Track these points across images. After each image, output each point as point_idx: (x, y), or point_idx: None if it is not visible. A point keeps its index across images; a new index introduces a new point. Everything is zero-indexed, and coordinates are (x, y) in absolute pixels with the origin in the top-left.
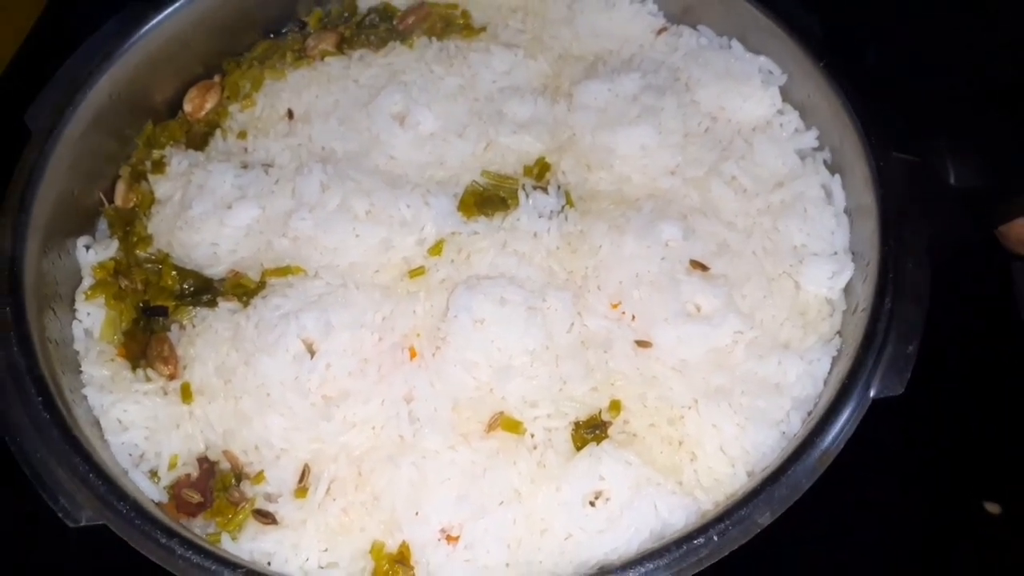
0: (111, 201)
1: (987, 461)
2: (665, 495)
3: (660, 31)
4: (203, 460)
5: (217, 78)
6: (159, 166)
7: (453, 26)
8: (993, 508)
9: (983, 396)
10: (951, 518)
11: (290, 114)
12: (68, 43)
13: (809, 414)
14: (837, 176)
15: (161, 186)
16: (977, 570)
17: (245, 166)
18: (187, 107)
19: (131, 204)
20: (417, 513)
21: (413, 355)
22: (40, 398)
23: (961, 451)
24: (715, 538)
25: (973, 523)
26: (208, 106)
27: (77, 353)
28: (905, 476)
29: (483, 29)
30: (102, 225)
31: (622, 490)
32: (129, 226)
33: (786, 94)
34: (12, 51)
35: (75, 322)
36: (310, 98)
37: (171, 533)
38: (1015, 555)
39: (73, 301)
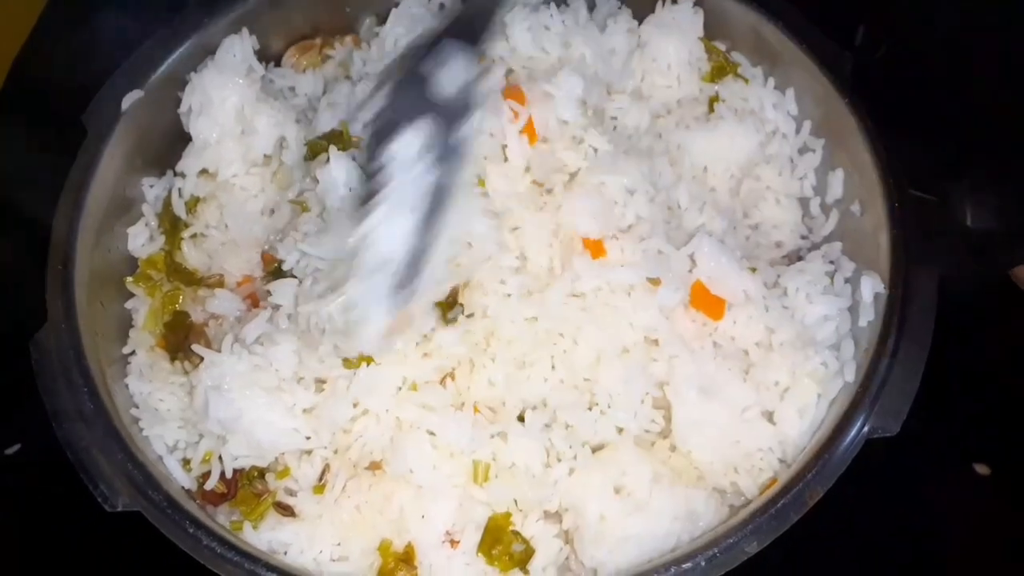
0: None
1: (976, 424)
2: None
3: None
4: None
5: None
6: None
7: None
8: (983, 469)
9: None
10: (942, 481)
11: None
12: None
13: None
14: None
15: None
16: (969, 531)
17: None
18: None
19: None
20: (423, 516)
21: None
22: (86, 389)
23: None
24: (703, 563)
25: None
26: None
27: (121, 343)
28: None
29: None
30: (151, 220)
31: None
32: (177, 220)
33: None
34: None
35: (120, 312)
36: None
37: (199, 524)
38: (1005, 516)
39: (120, 292)
